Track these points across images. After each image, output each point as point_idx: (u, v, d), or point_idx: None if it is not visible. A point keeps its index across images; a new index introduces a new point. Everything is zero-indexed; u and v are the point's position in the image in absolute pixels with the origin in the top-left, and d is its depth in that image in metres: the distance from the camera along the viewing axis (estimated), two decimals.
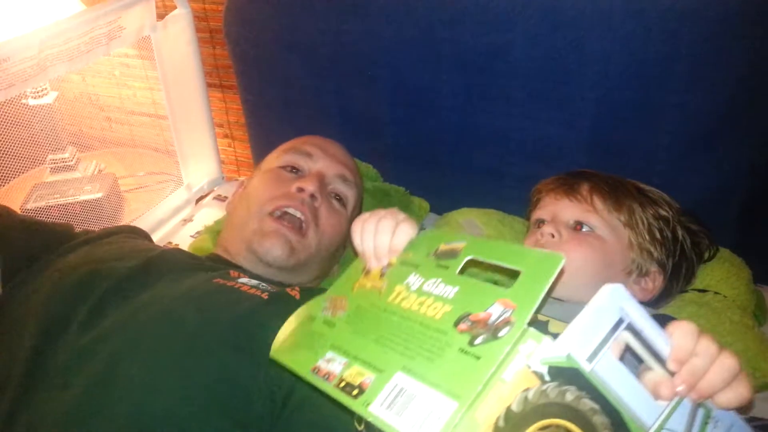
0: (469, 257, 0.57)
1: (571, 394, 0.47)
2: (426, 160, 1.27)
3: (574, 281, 0.81)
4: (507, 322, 0.48)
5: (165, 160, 1.54)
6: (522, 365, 0.47)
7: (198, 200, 1.48)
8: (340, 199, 0.98)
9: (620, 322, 0.49)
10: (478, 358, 0.47)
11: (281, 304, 0.76)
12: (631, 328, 0.49)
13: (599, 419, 0.47)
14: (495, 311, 0.49)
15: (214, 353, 0.67)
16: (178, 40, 1.32)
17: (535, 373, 0.47)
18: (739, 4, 0.91)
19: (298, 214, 0.89)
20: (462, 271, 0.57)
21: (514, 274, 0.52)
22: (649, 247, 0.86)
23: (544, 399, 0.46)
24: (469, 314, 0.51)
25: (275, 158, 1.00)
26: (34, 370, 0.66)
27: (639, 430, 0.49)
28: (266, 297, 0.76)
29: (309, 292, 0.83)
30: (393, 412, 0.47)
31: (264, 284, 0.81)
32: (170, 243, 1.29)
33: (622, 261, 0.86)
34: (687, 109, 0.99)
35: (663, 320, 0.82)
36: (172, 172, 1.48)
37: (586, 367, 0.47)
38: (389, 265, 0.64)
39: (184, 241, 1.27)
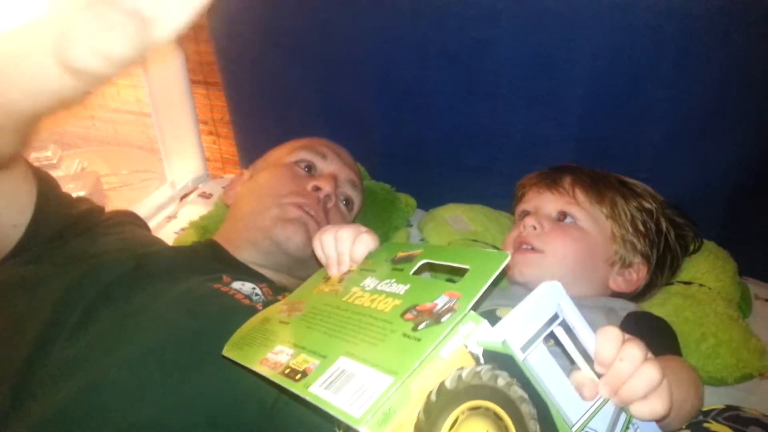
0: (423, 261, 0.59)
1: (503, 380, 0.48)
2: (413, 157, 1.26)
3: (556, 271, 0.83)
4: (450, 309, 0.49)
5: (149, 158, 1.53)
6: (459, 344, 0.48)
7: (182, 197, 1.46)
8: (348, 203, 1.00)
9: (555, 317, 0.50)
10: (418, 340, 0.48)
11: None
12: (565, 325, 0.51)
13: (527, 408, 0.48)
14: (441, 301, 0.51)
15: (204, 363, 0.66)
16: None
17: (471, 353, 0.48)
18: (724, 0, 0.91)
19: (313, 212, 0.90)
20: (418, 274, 0.60)
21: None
22: (632, 239, 0.87)
23: (477, 380, 0.47)
24: (416, 305, 0.53)
25: (287, 153, 1.00)
26: (25, 375, 0.64)
27: (563, 425, 0.49)
28: (260, 308, 0.75)
29: None
30: (331, 391, 0.48)
31: (258, 291, 0.80)
32: (157, 237, 1.27)
33: (604, 252, 0.87)
34: (673, 104, 1.00)
35: (643, 317, 0.83)
36: (156, 170, 1.47)
37: (519, 356, 0.48)
38: (349, 272, 0.66)
39: (168, 237, 1.25)
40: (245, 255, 0.90)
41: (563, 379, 0.50)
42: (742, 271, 1.02)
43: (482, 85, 1.10)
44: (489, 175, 1.20)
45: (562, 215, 0.87)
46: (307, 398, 0.49)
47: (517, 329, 0.49)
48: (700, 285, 0.95)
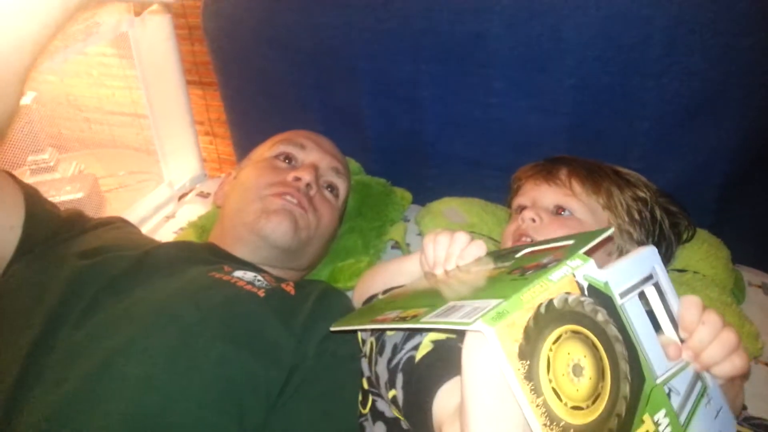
0: (527, 249, 0.63)
1: (602, 316, 0.52)
2: (407, 152, 1.27)
3: None
4: (556, 261, 0.53)
5: (146, 159, 1.53)
6: (568, 272, 0.52)
7: (180, 197, 1.47)
8: (332, 189, 1.00)
9: (650, 277, 0.56)
10: (526, 279, 0.52)
11: (277, 301, 0.77)
12: (657, 287, 0.56)
13: (620, 348, 0.52)
14: (546, 260, 0.55)
15: (210, 349, 0.67)
16: (156, 36, 1.31)
17: (578, 284, 0.52)
18: None
19: (295, 201, 0.90)
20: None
21: None
22: (628, 228, 0.88)
23: (581, 308, 0.51)
24: (523, 266, 0.57)
25: (267, 149, 1.01)
26: (30, 365, 0.65)
27: (648, 373, 0.53)
28: (263, 294, 0.76)
29: (303, 287, 0.84)
30: (443, 316, 0.51)
31: (260, 278, 0.81)
32: (152, 238, 1.28)
33: (602, 243, 0.88)
34: (663, 93, 1.01)
35: None
36: (153, 171, 1.47)
37: (618, 300, 0.53)
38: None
39: (167, 237, 1.26)
40: (239, 253, 0.91)
41: (652, 334, 0.54)
42: (735, 259, 1.03)
43: (474, 78, 1.11)
44: (483, 167, 1.21)
45: (560, 208, 0.88)
46: (419, 326, 0.53)
47: (619, 277, 0.54)
48: (695, 272, 0.96)
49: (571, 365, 0.50)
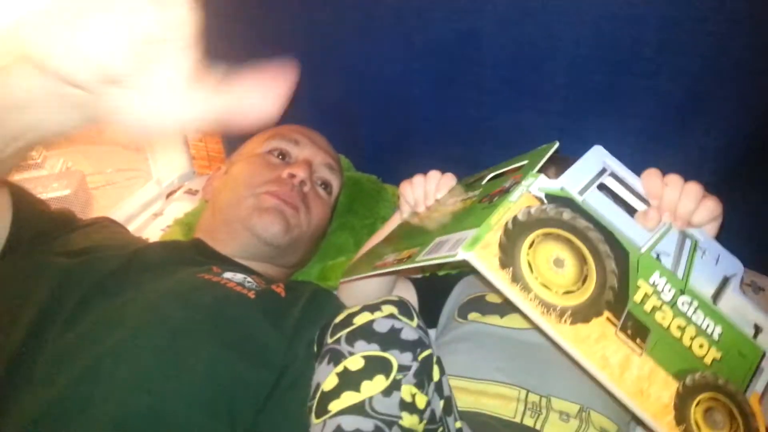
0: (490, 175, 0.71)
1: (567, 214, 0.58)
2: (399, 149, 1.27)
3: None
4: (515, 183, 0.61)
5: (134, 156, 1.52)
6: (524, 191, 0.59)
7: (169, 195, 1.46)
8: (326, 186, 1.00)
9: (603, 170, 0.62)
10: (495, 205, 0.59)
11: (268, 303, 0.76)
12: (614, 176, 0.62)
13: (594, 234, 0.58)
14: (507, 183, 0.63)
15: (200, 350, 0.66)
16: None
17: (535, 197, 0.59)
18: None
19: (289, 199, 0.90)
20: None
21: None
22: None
23: (545, 214, 0.58)
24: (489, 193, 0.64)
25: (259, 144, 1.00)
26: (18, 366, 0.64)
27: (630, 246, 0.59)
28: (253, 296, 0.76)
29: (293, 288, 0.83)
30: (433, 253, 0.59)
31: (249, 279, 0.80)
32: (140, 237, 1.26)
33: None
34: (655, 92, 1.01)
35: None
36: (141, 168, 1.46)
37: (577, 198, 0.59)
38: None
39: (154, 235, 1.25)
40: (228, 249, 0.90)
41: (623, 215, 0.60)
42: None
43: (467, 76, 1.11)
44: (474, 166, 1.20)
45: None
46: (415, 265, 0.61)
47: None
48: None
49: (552, 260, 0.56)
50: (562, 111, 1.08)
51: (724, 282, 0.60)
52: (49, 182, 1.36)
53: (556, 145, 0.63)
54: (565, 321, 0.55)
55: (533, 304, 0.54)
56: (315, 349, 0.66)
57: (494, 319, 0.81)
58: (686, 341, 0.57)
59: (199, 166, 1.71)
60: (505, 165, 0.71)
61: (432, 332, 0.98)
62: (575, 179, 0.60)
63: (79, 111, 0.47)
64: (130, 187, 1.43)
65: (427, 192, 0.79)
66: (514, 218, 0.56)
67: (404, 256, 0.65)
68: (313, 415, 0.57)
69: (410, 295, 0.94)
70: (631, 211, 0.62)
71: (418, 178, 0.81)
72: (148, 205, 1.39)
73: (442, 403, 0.63)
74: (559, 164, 0.88)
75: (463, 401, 0.70)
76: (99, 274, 0.73)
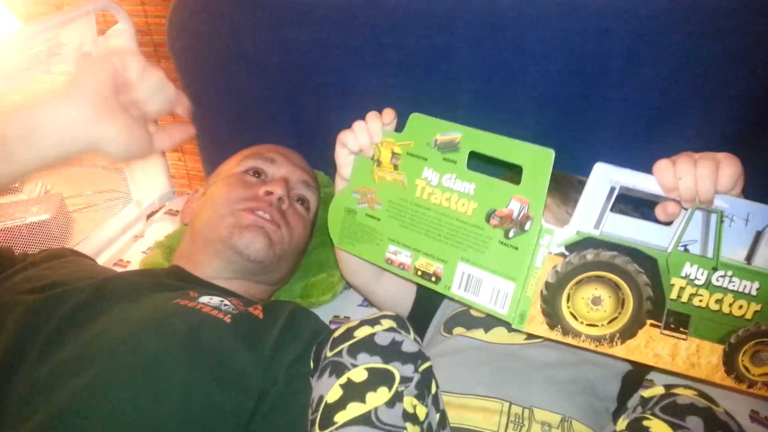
0: (469, 150, 0.69)
1: (590, 254, 0.63)
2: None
3: None
4: (527, 217, 0.65)
5: (113, 177, 1.51)
6: (546, 253, 0.64)
7: (149, 216, 1.45)
8: (303, 202, 1.00)
9: (612, 189, 0.62)
10: (516, 248, 0.66)
11: (245, 326, 0.76)
12: (625, 189, 0.63)
13: (620, 259, 0.62)
14: (515, 207, 0.66)
15: (174, 379, 0.65)
16: None
17: (557, 254, 0.64)
18: (668, 1, 0.95)
19: (267, 216, 0.90)
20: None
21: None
22: None
23: (570, 266, 0.64)
24: (494, 210, 0.67)
25: (236, 164, 1.00)
26: None
27: (658, 253, 0.62)
28: (229, 320, 0.75)
29: (271, 309, 0.83)
30: (470, 293, 0.68)
31: (226, 302, 0.79)
32: (121, 260, 1.26)
33: None
34: (624, 103, 1.03)
35: None
36: (121, 189, 1.46)
37: (595, 233, 0.63)
38: (397, 156, 0.74)
39: (135, 257, 1.25)
40: (209, 271, 0.89)
41: (642, 224, 0.63)
42: None
43: (441, 91, 1.12)
44: None
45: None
46: (455, 299, 0.69)
47: (584, 216, 0.63)
48: None
49: (589, 302, 0.64)
50: (535, 123, 1.09)
51: (757, 237, 0.60)
52: (27, 206, 1.35)
53: (553, 156, 0.63)
54: (616, 343, 0.64)
55: (586, 344, 0.64)
56: (311, 364, 0.67)
57: (479, 334, 0.82)
58: (725, 309, 0.61)
59: (178, 185, 1.71)
60: (487, 143, 0.68)
61: None
62: (587, 214, 0.63)
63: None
64: (110, 209, 1.42)
65: (372, 134, 0.76)
66: (546, 283, 0.64)
67: (426, 269, 0.71)
68: (316, 427, 0.57)
69: (411, 290, 0.95)
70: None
71: (358, 123, 0.77)
72: (129, 227, 1.39)
73: (438, 415, 0.64)
74: (559, 182, 0.90)
75: (448, 416, 0.71)
76: (68, 306, 0.73)
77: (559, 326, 0.65)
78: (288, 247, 0.94)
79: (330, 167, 1.29)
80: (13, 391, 0.63)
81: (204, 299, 0.78)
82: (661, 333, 0.63)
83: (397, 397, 0.58)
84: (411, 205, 0.72)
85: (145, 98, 0.63)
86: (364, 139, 0.76)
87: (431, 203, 0.71)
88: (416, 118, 0.74)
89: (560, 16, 0.99)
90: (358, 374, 0.59)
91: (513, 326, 0.66)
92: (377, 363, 0.59)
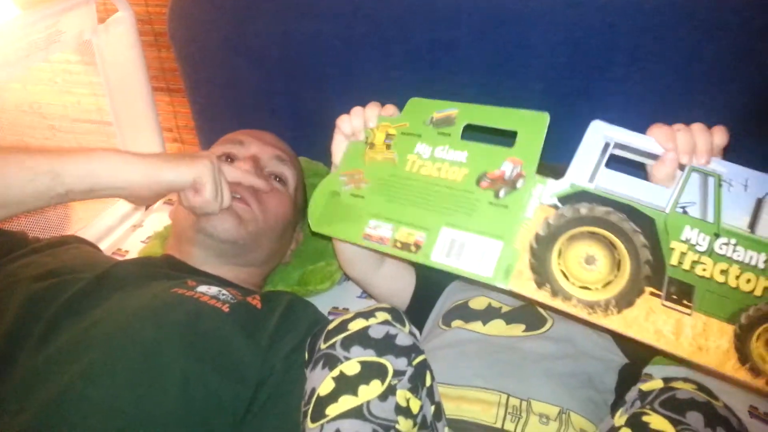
0: (465, 123, 0.67)
1: (584, 208, 0.59)
2: None
3: None
4: (520, 176, 0.62)
5: None
6: (537, 203, 0.60)
7: (148, 205, 1.45)
8: (280, 179, 0.98)
9: (607, 145, 0.61)
10: (506, 206, 0.61)
11: (243, 315, 0.75)
12: (620, 145, 0.61)
13: (615, 216, 0.58)
14: (507, 168, 0.62)
15: (172, 368, 0.65)
16: (121, 43, 1.29)
17: (549, 205, 0.60)
18: None
19: (237, 196, 0.88)
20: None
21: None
22: None
23: (563, 219, 0.59)
24: (485, 173, 0.63)
25: None
26: None
27: (655, 212, 0.58)
28: (227, 309, 0.75)
29: (269, 299, 0.83)
30: (452, 258, 0.61)
31: (224, 292, 0.79)
32: (120, 249, 1.26)
33: None
34: (628, 97, 1.03)
35: None
36: None
37: (589, 186, 0.60)
38: (391, 137, 0.72)
39: (134, 247, 1.24)
40: (194, 260, 0.89)
41: (639, 183, 0.60)
42: None
43: (444, 84, 1.12)
44: None
45: None
46: (435, 266, 0.62)
47: (579, 169, 0.61)
48: None
49: (583, 260, 0.59)
50: None
51: (758, 204, 0.57)
52: None
53: (548, 118, 0.62)
54: (611, 312, 0.57)
55: (577, 310, 0.58)
56: (306, 356, 0.66)
57: (477, 326, 0.82)
58: (732, 282, 0.56)
59: None
60: (483, 114, 0.67)
61: None
62: (582, 167, 0.61)
63: None
64: (109, 199, 1.41)
65: (366, 118, 0.75)
66: (536, 235, 0.59)
67: (406, 240, 0.65)
68: (308, 419, 0.57)
69: (410, 281, 0.95)
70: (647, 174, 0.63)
71: (356, 109, 0.77)
72: (127, 216, 1.38)
73: (433, 408, 0.64)
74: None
75: (445, 408, 0.71)
76: (68, 294, 0.72)
77: (548, 285, 0.59)
78: (264, 225, 0.91)
79: (328, 158, 1.30)
80: (11, 377, 0.63)
81: (202, 288, 0.78)
82: (663, 304, 0.56)
83: (390, 391, 0.57)
84: (399, 180, 0.69)
85: (196, 211, 0.81)
86: (358, 122, 0.75)
87: (420, 175, 0.68)
88: (414, 102, 0.73)
89: (564, 10, 0.99)
90: (351, 367, 0.58)
91: (495, 283, 0.59)
92: (370, 356, 0.59)
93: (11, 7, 1.28)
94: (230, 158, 0.96)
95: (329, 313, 1.06)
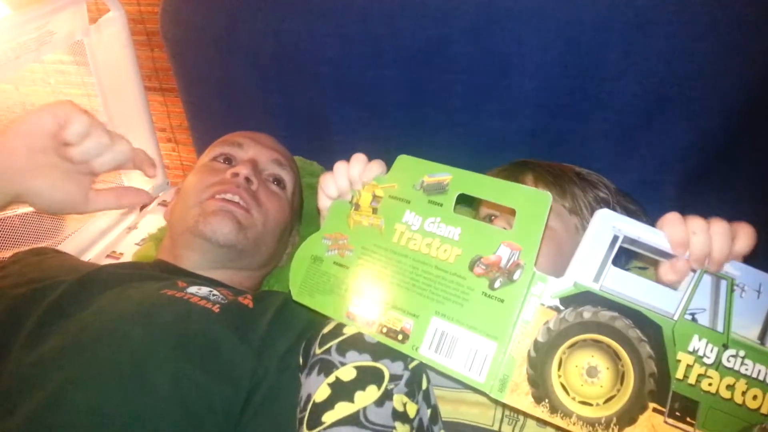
0: (458, 193, 0.61)
1: (587, 312, 0.55)
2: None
3: None
4: (517, 265, 0.56)
5: None
6: (537, 304, 0.55)
7: (142, 207, 1.44)
8: (278, 182, 0.97)
9: (615, 239, 0.56)
10: (501, 300, 0.56)
11: (234, 316, 0.75)
12: (629, 240, 0.56)
13: (621, 322, 0.54)
14: (504, 254, 0.57)
15: (162, 371, 0.64)
16: (113, 43, 1.28)
17: (550, 307, 0.55)
18: None
19: (236, 199, 0.87)
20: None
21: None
22: None
23: (565, 324, 0.55)
24: (480, 257, 0.58)
25: (206, 155, 0.99)
26: None
27: (662, 320, 0.54)
28: (217, 310, 0.74)
29: (262, 299, 0.82)
30: (442, 354, 0.57)
31: (215, 292, 0.78)
32: (114, 252, 1.25)
33: (570, 247, 0.88)
34: (621, 95, 1.02)
35: None
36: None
37: (594, 286, 0.55)
38: (378, 199, 0.65)
39: (129, 249, 1.24)
40: (189, 263, 0.88)
41: (648, 284, 0.55)
42: None
43: (437, 83, 1.12)
44: None
45: None
46: (423, 361, 0.57)
47: (583, 266, 0.56)
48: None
49: (584, 372, 0.55)
50: (531, 115, 1.09)
51: None
52: None
53: (550, 200, 0.56)
54: (613, 430, 0.54)
55: (577, 428, 0.54)
56: (300, 360, 0.66)
57: None
58: (738, 398, 0.53)
59: (172, 176, 1.70)
60: (479, 185, 0.61)
61: None
62: (587, 264, 0.56)
63: None
64: None
65: (352, 180, 0.67)
66: (536, 342, 0.55)
67: (393, 326, 0.59)
68: (304, 426, 0.57)
69: None
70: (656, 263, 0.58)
71: (339, 166, 0.68)
72: (122, 218, 1.38)
73: (429, 411, 0.64)
74: (556, 175, 0.88)
75: (443, 410, 0.70)
76: (52, 297, 0.72)
77: (547, 400, 0.54)
78: (263, 229, 0.91)
79: (323, 157, 1.30)
80: None
81: (192, 289, 0.77)
82: (665, 421, 0.53)
83: (387, 396, 0.57)
84: (385, 252, 0.63)
85: (81, 159, 0.64)
86: (344, 183, 0.68)
87: (408, 250, 0.62)
88: (404, 160, 0.66)
89: (556, 7, 0.99)
90: (347, 373, 0.58)
91: (490, 393, 0.55)
92: (366, 361, 0.58)
93: (1, 7, 1.27)
94: (228, 160, 0.96)
95: None
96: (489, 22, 1.03)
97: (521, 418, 0.69)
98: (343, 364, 0.58)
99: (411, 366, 0.60)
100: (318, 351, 0.61)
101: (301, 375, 0.64)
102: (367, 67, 1.16)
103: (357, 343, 0.60)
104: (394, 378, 0.58)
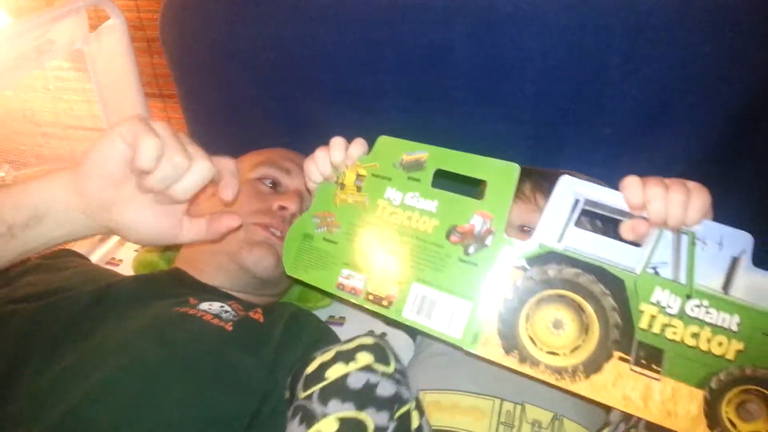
0: (435, 168, 0.67)
1: (552, 270, 0.59)
2: None
3: None
4: (489, 232, 0.62)
5: None
6: (507, 266, 0.61)
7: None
8: None
9: (577, 202, 0.60)
10: (475, 264, 0.62)
11: (246, 332, 0.75)
12: (590, 202, 0.59)
13: (584, 278, 0.58)
14: (477, 222, 0.63)
15: (173, 390, 0.64)
16: (113, 51, 1.28)
17: (518, 268, 0.60)
18: None
19: (279, 233, 0.88)
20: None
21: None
22: None
23: (531, 282, 0.59)
24: (455, 227, 0.64)
25: (250, 168, 0.98)
26: None
27: (625, 273, 0.58)
28: (230, 328, 0.74)
29: (271, 311, 0.82)
30: (423, 316, 0.62)
31: (227, 309, 0.78)
32: (114, 259, 1.25)
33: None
34: (623, 100, 1.02)
35: None
36: None
37: (558, 247, 0.59)
38: (361, 178, 0.71)
39: (127, 255, 1.24)
40: (213, 281, 0.88)
41: (609, 242, 0.59)
42: None
43: (437, 88, 1.11)
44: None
45: (526, 226, 0.85)
46: (406, 323, 0.63)
47: (547, 229, 0.60)
48: None
49: (551, 324, 0.59)
50: (533, 120, 1.08)
51: (733, 264, 0.55)
52: None
53: (518, 171, 0.61)
54: (579, 378, 0.57)
55: (545, 376, 0.58)
56: (287, 394, 0.65)
57: None
58: (703, 346, 0.55)
59: None
60: (454, 161, 0.66)
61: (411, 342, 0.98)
62: (550, 227, 0.60)
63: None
64: None
65: (335, 164, 0.72)
66: (505, 300, 0.60)
67: (378, 293, 0.65)
68: None
69: None
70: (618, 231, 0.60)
71: (320, 152, 0.73)
72: None
73: None
74: (530, 173, 0.88)
75: (437, 419, 0.70)
76: (69, 314, 0.71)
77: (516, 351, 0.59)
78: None
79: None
80: (14, 402, 0.62)
81: (204, 306, 0.77)
82: (631, 369, 0.56)
83: None
84: (370, 227, 0.68)
85: (161, 188, 0.57)
86: (326, 168, 0.73)
87: (391, 223, 0.67)
88: (384, 141, 0.72)
89: (558, 12, 0.98)
90: (329, 425, 0.55)
91: (464, 347, 0.60)
92: (349, 411, 0.56)
93: (1, 16, 1.27)
94: (274, 183, 0.96)
95: (326, 321, 1.05)
96: (490, 27, 1.03)
97: (516, 423, 0.69)
98: (324, 414, 0.56)
99: (397, 415, 0.58)
100: (302, 395, 0.59)
101: (287, 414, 0.62)
102: (367, 73, 1.15)
103: (340, 390, 0.57)
104: (379, 430, 0.56)
